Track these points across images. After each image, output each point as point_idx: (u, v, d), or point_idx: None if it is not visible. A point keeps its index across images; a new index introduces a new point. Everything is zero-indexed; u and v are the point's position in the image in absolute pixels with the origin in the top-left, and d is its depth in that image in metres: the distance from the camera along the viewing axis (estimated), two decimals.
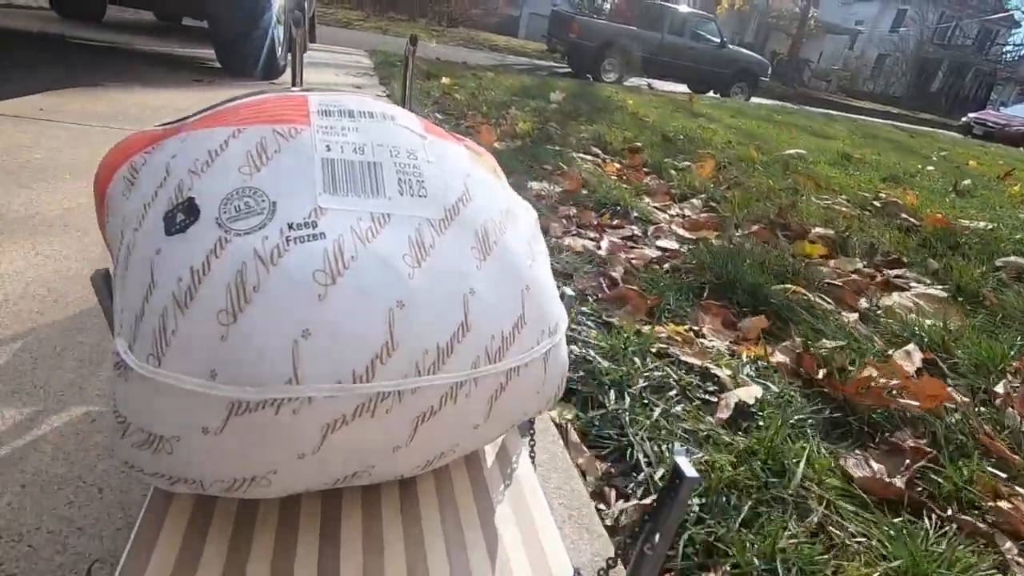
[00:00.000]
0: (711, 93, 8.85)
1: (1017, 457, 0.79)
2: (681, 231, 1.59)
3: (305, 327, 0.30)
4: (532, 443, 0.51)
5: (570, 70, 8.61)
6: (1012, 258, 1.71)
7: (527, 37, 23.53)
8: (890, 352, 1.03)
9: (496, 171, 0.47)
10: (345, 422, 0.32)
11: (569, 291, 0.48)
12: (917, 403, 0.85)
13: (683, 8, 8.93)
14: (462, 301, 0.35)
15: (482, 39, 13.37)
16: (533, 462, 0.48)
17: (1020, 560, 0.63)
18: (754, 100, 8.92)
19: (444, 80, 3.76)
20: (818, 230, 1.73)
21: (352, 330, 0.31)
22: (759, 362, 0.96)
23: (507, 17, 27.22)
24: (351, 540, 0.38)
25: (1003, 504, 0.69)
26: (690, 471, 0.31)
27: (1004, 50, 24.21)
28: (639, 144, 2.73)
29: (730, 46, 8.81)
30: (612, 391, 0.82)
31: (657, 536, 0.32)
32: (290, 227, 0.32)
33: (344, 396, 0.31)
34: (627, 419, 0.77)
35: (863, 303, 1.26)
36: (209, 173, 0.34)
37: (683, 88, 8.94)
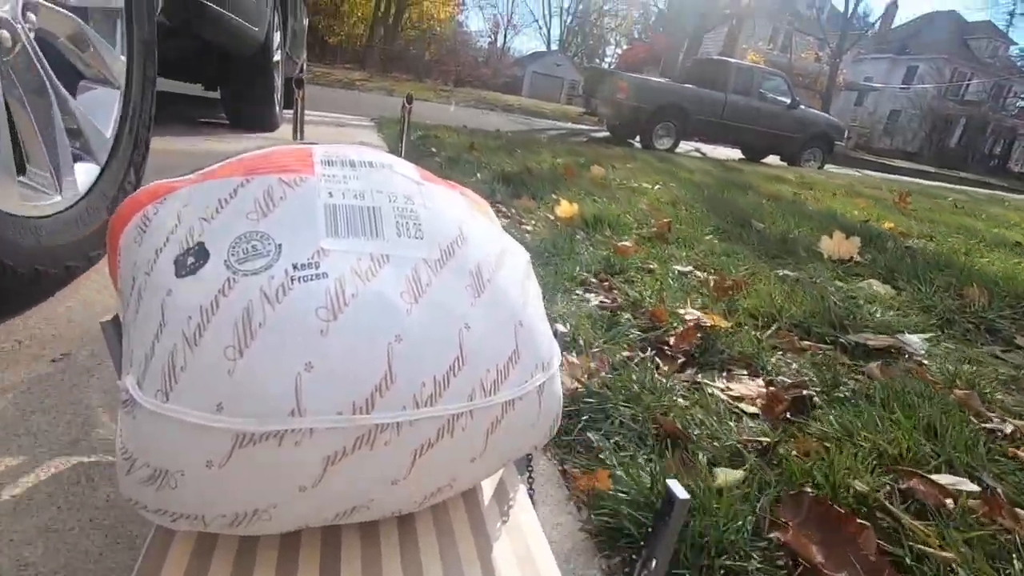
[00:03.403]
0: (775, 159, 7.99)
1: None
2: None
3: (308, 360, 0.31)
4: (531, 480, 0.50)
5: (609, 134, 7.84)
6: None
7: (530, 95, 23.88)
8: None
9: (490, 215, 0.48)
10: (345, 454, 0.32)
11: (561, 327, 0.49)
12: None
13: (748, 63, 8.12)
14: (457, 336, 0.35)
15: (492, 99, 13.07)
16: (532, 499, 0.48)
17: None
18: (828, 168, 8.12)
19: (563, 210, 1.95)
20: None
21: (352, 363, 0.32)
22: None
23: (512, 76, 27.71)
24: (351, 573, 0.38)
25: None
26: (682, 493, 0.32)
27: (1018, 104, 24.06)
28: None
29: (802, 107, 7.74)
30: None
31: (654, 561, 0.33)
32: (294, 267, 0.33)
33: (344, 428, 0.32)
34: None
35: None
36: (219, 219, 0.35)
37: (735, 153, 8.25)
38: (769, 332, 1.15)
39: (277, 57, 3.06)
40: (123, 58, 1.02)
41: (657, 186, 3.09)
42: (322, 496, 0.33)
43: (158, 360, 0.31)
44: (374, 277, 0.34)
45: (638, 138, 7.30)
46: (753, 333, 1.12)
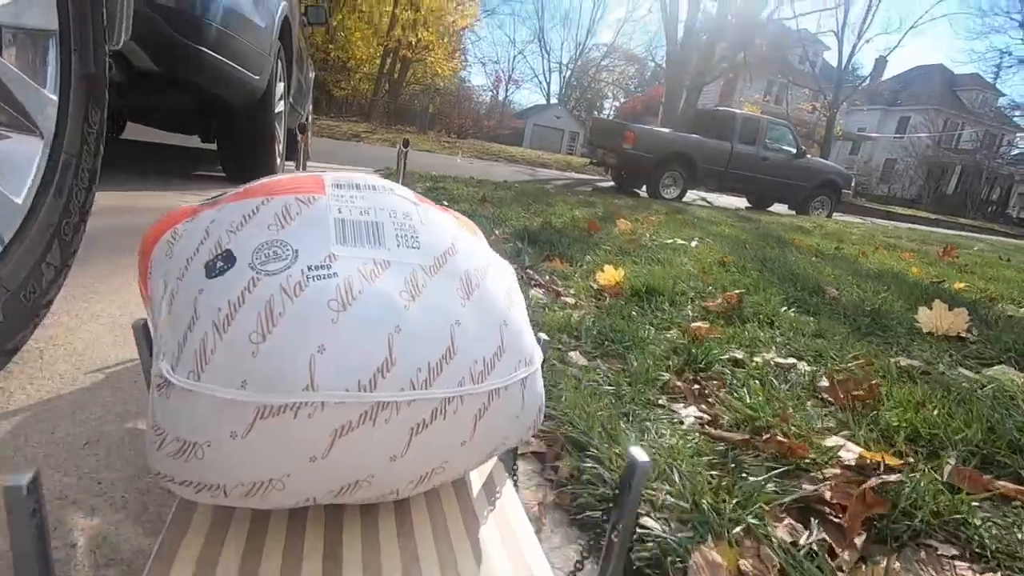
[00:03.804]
0: (779, 208, 8.13)
1: None
2: None
3: (320, 344, 0.36)
4: (516, 478, 0.55)
5: (614, 184, 8.01)
6: None
7: (531, 146, 24.39)
8: None
9: (478, 234, 0.54)
10: (351, 427, 0.37)
11: (544, 335, 0.54)
12: None
13: (753, 114, 8.54)
14: (449, 330, 0.40)
15: (496, 150, 13.19)
16: (517, 491, 0.52)
17: None
18: (836, 216, 8.21)
19: (606, 277, 1.65)
20: None
21: (358, 348, 0.37)
22: None
23: (514, 129, 28.39)
24: (352, 562, 0.41)
25: None
26: (642, 457, 0.37)
27: (1013, 152, 24.45)
28: None
29: (808, 156, 7.88)
30: None
31: (621, 524, 0.38)
32: (309, 268, 0.39)
33: (351, 403, 0.36)
34: None
35: None
36: (244, 231, 0.41)
37: (741, 202, 8.43)
38: (948, 470, 0.82)
39: (279, 108, 2.86)
40: (55, 97, 0.75)
41: (693, 242, 2.81)
42: (329, 468, 0.38)
43: (191, 346, 0.36)
44: (377, 278, 0.40)
45: (644, 187, 7.26)
46: (933, 475, 0.79)
